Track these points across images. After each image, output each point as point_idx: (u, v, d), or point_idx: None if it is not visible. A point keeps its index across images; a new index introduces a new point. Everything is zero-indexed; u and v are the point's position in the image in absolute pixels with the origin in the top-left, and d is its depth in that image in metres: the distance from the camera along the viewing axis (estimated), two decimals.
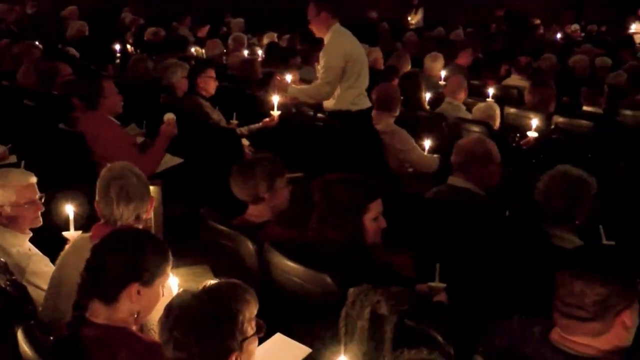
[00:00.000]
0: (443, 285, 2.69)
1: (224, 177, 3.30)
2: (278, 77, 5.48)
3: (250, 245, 2.93)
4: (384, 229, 2.79)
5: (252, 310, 1.88)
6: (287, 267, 2.73)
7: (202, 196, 4.40)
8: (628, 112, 5.91)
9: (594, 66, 8.17)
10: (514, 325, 2.08)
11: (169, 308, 1.85)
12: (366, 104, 5.20)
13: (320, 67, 5.13)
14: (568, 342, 1.93)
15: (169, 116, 4.54)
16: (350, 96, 5.02)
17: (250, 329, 1.86)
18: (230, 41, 9.12)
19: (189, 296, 1.87)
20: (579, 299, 1.88)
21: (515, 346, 2.01)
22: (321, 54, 5.11)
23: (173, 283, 2.44)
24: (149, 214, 2.85)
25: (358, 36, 5.40)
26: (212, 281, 1.92)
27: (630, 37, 12.09)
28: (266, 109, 5.43)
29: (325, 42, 5.09)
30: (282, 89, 5.43)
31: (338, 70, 4.96)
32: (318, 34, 5.18)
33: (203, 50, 8.93)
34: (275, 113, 5.31)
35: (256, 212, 3.15)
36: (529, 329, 2.03)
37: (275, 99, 5.32)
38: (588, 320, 1.88)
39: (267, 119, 5.37)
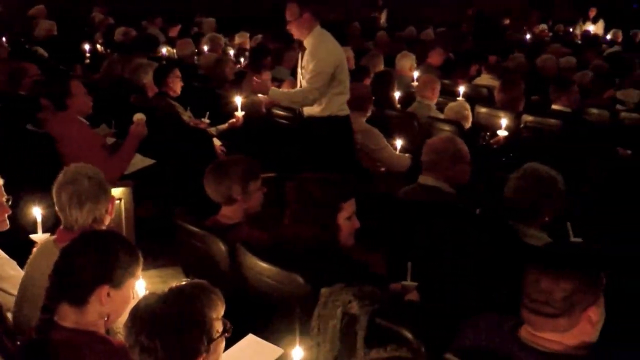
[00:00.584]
0: (415, 284, 2.71)
1: (197, 177, 3.29)
2: (255, 78, 5.32)
3: (222, 246, 2.92)
4: (357, 228, 2.80)
5: (218, 311, 1.88)
6: (259, 267, 2.73)
7: (175, 197, 4.38)
8: (594, 111, 6.00)
9: None
10: (484, 323, 2.10)
11: (135, 311, 1.84)
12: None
13: (307, 71, 4.81)
14: (536, 338, 1.95)
15: (139, 116, 4.51)
16: (338, 102, 4.80)
17: (217, 330, 1.86)
18: (206, 41, 9.07)
19: (155, 299, 1.85)
20: (546, 296, 1.90)
21: (485, 344, 2.03)
22: (308, 58, 4.76)
23: (140, 285, 2.42)
24: (111, 214, 2.82)
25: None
26: (178, 283, 1.91)
27: (596, 37, 12.31)
28: (230, 109, 5.41)
29: (308, 45, 4.79)
30: (262, 90, 5.16)
31: (327, 76, 4.71)
32: (298, 37, 4.87)
33: (174, 50, 8.88)
34: (239, 114, 5.28)
35: (228, 213, 3.14)
36: (498, 326, 2.05)
37: (238, 99, 5.29)
38: (555, 316, 1.90)
39: (232, 120, 5.36)
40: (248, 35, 10.18)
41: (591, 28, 13.95)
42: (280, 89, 5.38)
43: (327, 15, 6.32)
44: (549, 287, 1.91)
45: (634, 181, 4.46)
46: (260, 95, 5.51)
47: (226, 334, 1.89)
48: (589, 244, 2.99)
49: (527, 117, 5.70)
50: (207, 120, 5.39)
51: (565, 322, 1.91)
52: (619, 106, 6.30)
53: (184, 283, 1.91)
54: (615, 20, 14.00)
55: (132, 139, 4.44)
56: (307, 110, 4.87)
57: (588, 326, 1.92)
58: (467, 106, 5.95)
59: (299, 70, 4.97)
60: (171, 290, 1.87)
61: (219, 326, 1.86)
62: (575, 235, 3.15)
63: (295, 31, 4.81)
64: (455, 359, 1.97)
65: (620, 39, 12.43)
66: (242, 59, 8.79)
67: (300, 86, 4.88)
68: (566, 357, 1.91)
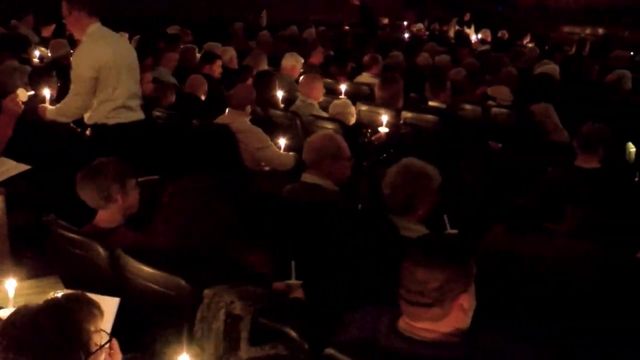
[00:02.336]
0: (299, 282, 2.75)
1: (70, 183, 3.19)
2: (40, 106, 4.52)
3: (102, 252, 2.84)
4: (241, 228, 2.80)
5: (97, 323, 1.81)
6: (141, 272, 2.67)
7: (49, 204, 4.21)
8: (468, 107, 6.28)
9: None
10: (365, 317, 2.15)
11: (4, 325, 1.75)
12: (130, 117, 4.44)
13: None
14: (413, 328, 2.01)
15: (19, 92, 4.14)
16: (105, 109, 4.34)
17: (96, 343, 1.80)
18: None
19: (27, 312, 1.76)
20: (420, 286, 1.97)
21: (366, 337, 2.08)
22: (72, 61, 4.40)
23: (10, 291, 2.31)
24: None
25: (210, 35, 5.20)
26: (53, 294, 1.84)
27: (468, 36, 12.90)
28: None
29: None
30: (42, 114, 4.54)
31: (89, 81, 4.26)
32: (77, 36, 4.47)
33: (48, 51, 8.51)
34: None
35: (106, 217, 3.07)
36: (378, 319, 2.11)
37: None
38: (430, 305, 1.97)
39: None
40: (127, 35, 9.91)
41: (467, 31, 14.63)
42: (53, 107, 4.60)
43: (109, 11, 5.84)
44: (423, 278, 1.98)
45: (504, 173, 4.70)
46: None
47: (106, 346, 1.83)
48: (464, 235, 3.13)
49: (406, 114, 5.89)
50: None
51: (439, 311, 1.98)
52: (490, 102, 6.61)
53: (59, 295, 1.84)
54: (483, 22, 14.77)
55: (5, 117, 4.07)
56: (85, 118, 4.47)
57: (460, 314, 2.00)
58: (350, 104, 6.08)
59: None
60: (46, 302, 1.79)
61: (97, 339, 1.80)
62: (452, 227, 3.29)
63: (71, 30, 4.49)
64: (336, 353, 2.01)
65: (489, 39, 13.06)
66: None
67: None
68: (441, 344, 1.98)
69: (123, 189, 3.07)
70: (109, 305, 2.01)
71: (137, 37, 9.63)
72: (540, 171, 3.79)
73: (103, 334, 1.82)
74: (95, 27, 4.36)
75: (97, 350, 1.79)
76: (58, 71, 5.68)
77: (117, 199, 3.06)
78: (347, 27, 14.23)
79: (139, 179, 3.25)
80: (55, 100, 4.82)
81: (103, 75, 4.28)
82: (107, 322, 1.91)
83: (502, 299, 2.54)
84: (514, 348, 2.00)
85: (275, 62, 8.01)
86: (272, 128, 5.57)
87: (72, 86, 4.37)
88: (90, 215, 3.14)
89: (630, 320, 2.63)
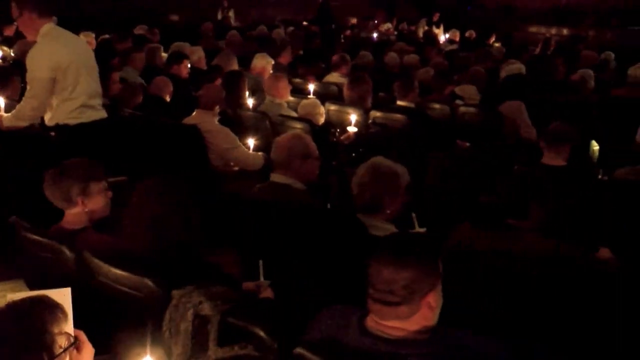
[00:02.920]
0: (267, 282, 2.74)
1: (37, 184, 3.14)
2: None
3: (68, 254, 2.80)
4: (210, 228, 2.79)
5: (60, 325, 1.79)
6: (109, 273, 2.65)
7: (13, 205, 4.14)
8: (436, 106, 6.33)
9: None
10: (333, 316, 2.15)
11: None
12: (92, 116, 4.39)
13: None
14: (381, 326, 2.03)
15: None
16: (66, 110, 4.28)
17: (60, 345, 1.78)
18: None
19: None
20: (389, 285, 1.99)
21: (335, 336, 2.09)
22: (26, 62, 4.32)
23: None
24: None
25: (179, 36, 5.16)
26: (15, 297, 1.81)
27: (436, 36, 13.01)
28: None
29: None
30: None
31: (45, 82, 4.19)
32: (30, 38, 4.38)
33: (11, 51, 8.37)
34: None
35: (72, 219, 3.03)
36: (347, 317, 2.11)
37: None
38: (398, 304, 1.99)
39: None
40: (93, 35, 9.80)
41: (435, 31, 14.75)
42: (9, 114, 4.53)
43: (59, 11, 5.71)
44: (391, 277, 1.99)
45: (472, 172, 4.74)
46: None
47: (71, 348, 1.81)
48: (431, 233, 3.16)
49: (375, 113, 5.91)
50: None
51: (407, 309, 2.00)
52: (458, 101, 6.67)
53: (22, 298, 1.81)
54: (452, 22, 14.90)
55: None
56: (45, 119, 4.40)
57: (428, 312, 2.02)
58: (319, 104, 6.08)
59: None
60: (8, 305, 1.77)
61: (62, 341, 1.79)
62: (420, 226, 3.32)
63: (24, 31, 4.41)
64: (306, 352, 2.01)
65: (458, 39, 13.18)
66: None
67: None
68: (409, 342, 2.00)
69: (85, 192, 3.01)
70: (61, 297, 1.97)
71: (105, 36, 9.56)
72: (507, 169, 3.84)
73: (68, 336, 1.80)
74: (49, 28, 4.29)
75: (61, 352, 1.76)
76: (22, 72, 5.60)
77: (77, 202, 3.01)
78: (305, 23, 14.27)
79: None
80: (17, 101, 4.76)
81: (60, 75, 4.23)
82: None
83: (468, 296, 2.57)
84: (481, 344, 2.03)
85: (245, 62, 7.98)
86: (240, 128, 5.56)
87: (27, 88, 4.30)
88: (59, 217, 3.10)
89: (583, 318, 2.67)
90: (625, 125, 5.66)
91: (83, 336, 1.86)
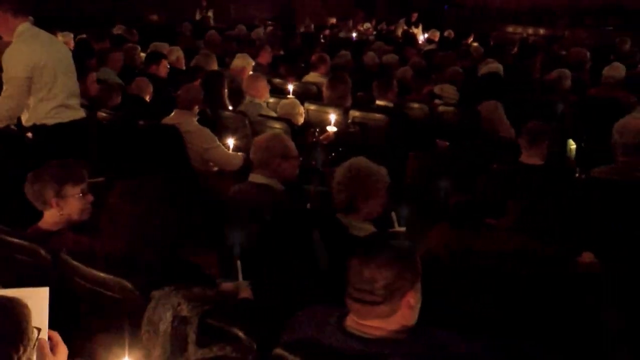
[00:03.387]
0: (247, 282, 2.74)
1: (15, 185, 3.12)
2: None
3: (44, 255, 2.78)
4: (189, 228, 2.78)
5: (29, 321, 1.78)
6: (87, 275, 2.62)
7: None
8: (415, 105, 6.35)
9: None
10: (313, 316, 2.15)
11: None
12: (70, 116, 4.34)
13: None
14: (361, 326, 2.03)
15: None
16: (43, 109, 4.23)
17: (29, 338, 1.76)
18: None
19: None
20: (368, 284, 1.99)
21: (314, 335, 2.08)
22: (2, 62, 4.28)
23: None
24: None
25: (157, 35, 5.13)
26: None
27: (414, 35, 13.06)
28: None
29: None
30: None
31: (22, 82, 4.15)
32: (6, 38, 4.35)
33: None
34: None
35: (49, 220, 3.01)
36: (326, 317, 2.11)
37: None
38: (378, 303, 1.99)
39: None
40: (72, 35, 9.72)
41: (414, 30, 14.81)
42: None
43: (37, 11, 5.63)
44: (371, 276, 2.00)
45: (450, 170, 4.76)
46: None
47: (34, 346, 1.79)
48: (410, 232, 3.16)
49: (354, 113, 5.92)
50: None
51: (386, 308, 2.00)
52: (437, 100, 6.70)
53: None
54: (431, 22, 14.98)
55: None
56: (22, 119, 4.35)
57: (407, 311, 2.03)
58: (299, 103, 6.08)
59: None
60: None
61: (33, 336, 1.77)
62: (399, 225, 3.33)
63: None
64: (285, 353, 2.01)
65: (437, 39, 13.23)
66: None
67: None
68: (388, 341, 2.00)
69: (59, 194, 2.98)
70: (39, 296, 1.96)
71: (83, 36, 9.48)
72: (486, 168, 3.86)
73: (34, 331, 1.78)
74: (25, 27, 4.24)
75: (29, 348, 1.74)
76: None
77: (52, 204, 2.99)
78: (268, 22, 14.28)
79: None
80: None
81: (37, 75, 4.18)
82: (41, 313, 1.86)
83: (447, 295, 2.58)
84: (460, 344, 2.04)
85: (224, 61, 7.95)
86: (220, 128, 5.54)
87: (4, 88, 4.25)
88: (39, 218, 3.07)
89: (562, 317, 2.69)
90: (602, 125, 5.72)
91: (57, 337, 1.85)
